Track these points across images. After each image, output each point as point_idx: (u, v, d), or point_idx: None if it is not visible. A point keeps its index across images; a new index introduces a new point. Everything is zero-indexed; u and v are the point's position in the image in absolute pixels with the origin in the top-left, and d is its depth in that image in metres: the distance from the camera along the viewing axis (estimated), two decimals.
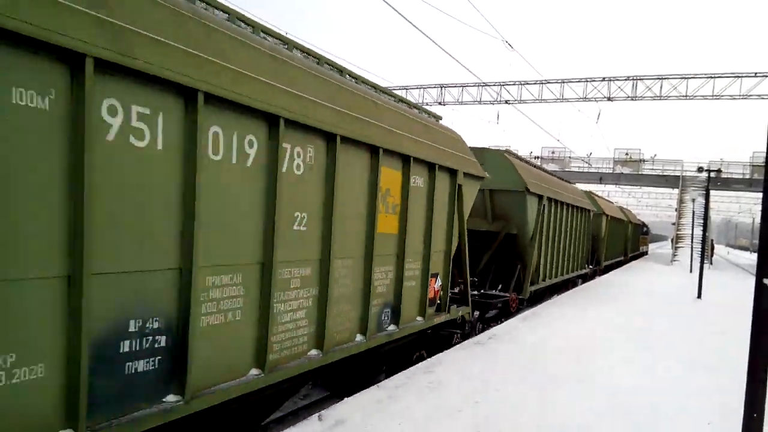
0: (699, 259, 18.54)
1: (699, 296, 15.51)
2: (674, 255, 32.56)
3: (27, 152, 2.43)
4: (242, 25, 4.07)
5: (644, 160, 40.18)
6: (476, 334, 8.33)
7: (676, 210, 37.61)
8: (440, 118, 7.15)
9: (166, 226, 3.09)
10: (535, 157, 41.18)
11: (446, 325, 7.15)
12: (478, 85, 36.40)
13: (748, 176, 39.31)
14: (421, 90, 37.94)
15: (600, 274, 20.95)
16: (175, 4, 3.12)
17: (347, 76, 5.09)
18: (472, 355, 7.08)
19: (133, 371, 3.01)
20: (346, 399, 5.19)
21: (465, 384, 5.80)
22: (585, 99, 35.01)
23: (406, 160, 5.44)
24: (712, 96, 31.44)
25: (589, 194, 19.90)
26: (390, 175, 5.19)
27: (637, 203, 69.10)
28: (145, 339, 3.04)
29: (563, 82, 35.63)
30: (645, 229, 44.33)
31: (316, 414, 4.76)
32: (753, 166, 39.39)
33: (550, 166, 40.71)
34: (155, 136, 2.99)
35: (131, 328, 2.97)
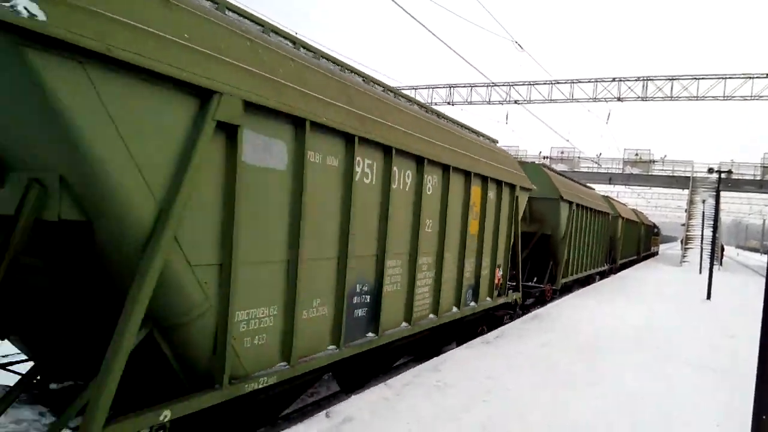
0: (708, 261, 20.24)
1: (708, 298, 17.02)
2: (684, 256, 35.25)
3: (329, 191, 4.86)
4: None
5: (654, 161, 42.98)
6: (519, 316, 10.91)
7: (685, 211, 40.35)
8: (497, 142, 9.65)
9: (377, 228, 5.55)
10: (544, 158, 43.93)
11: (501, 306, 9.72)
12: (488, 86, 38.88)
13: (759, 177, 41.48)
14: (431, 90, 40.48)
15: (615, 272, 24.06)
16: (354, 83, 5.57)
17: (430, 112, 7.48)
18: (480, 353, 7.86)
19: (357, 315, 5.45)
20: (353, 396, 5.77)
21: (472, 383, 6.43)
22: (595, 99, 37.01)
23: (484, 179, 8.07)
24: (724, 97, 33.43)
25: (607, 198, 23.21)
26: (475, 190, 7.76)
27: (646, 204, 72.31)
28: (363, 297, 5.48)
29: (573, 83, 37.76)
30: (656, 230, 47.45)
31: (324, 411, 5.27)
32: (764, 167, 41.20)
33: (559, 167, 43.42)
34: (368, 174, 5.42)
35: (357, 290, 5.40)
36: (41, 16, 2.67)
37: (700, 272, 26.06)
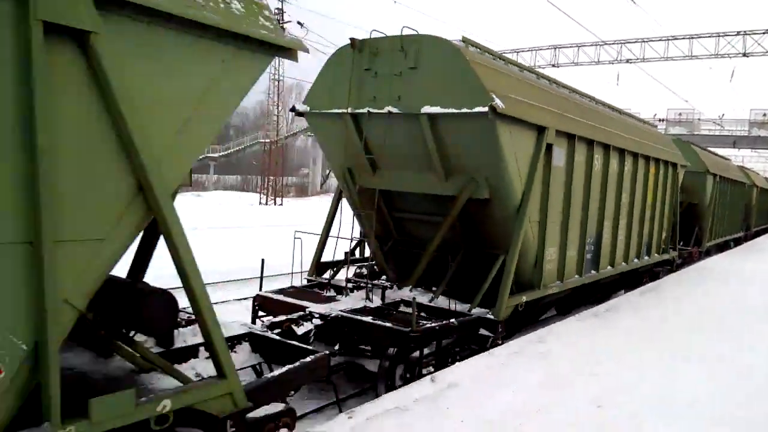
0: None
1: None
2: None
3: (579, 178, 8.72)
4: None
5: None
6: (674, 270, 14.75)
7: None
8: (656, 126, 13.28)
9: (599, 199, 9.47)
10: (659, 120, 45.61)
11: (661, 263, 13.81)
12: (596, 45, 40.85)
13: None
14: (533, 52, 42.95)
15: (750, 238, 28.40)
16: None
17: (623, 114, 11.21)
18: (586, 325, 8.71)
19: (587, 258, 9.37)
20: (458, 363, 6.38)
21: (578, 355, 7.08)
22: (717, 56, 37.61)
23: (656, 161, 12.18)
24: None
25: (742, 168, 27.35)
26: (653, 170, 11.88)
27: None
28: (590, 246, 9.56)
29: (692, 38, 38.19)
30: None
31: (429, 376, 5.91)
32: None
33: (676, 129, 45.06)
34: (595, 165, 9.21)
35: (588, 240, 9.46)
36: (502, 105, 6.57)
37: None
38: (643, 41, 40.11)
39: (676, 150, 13.63)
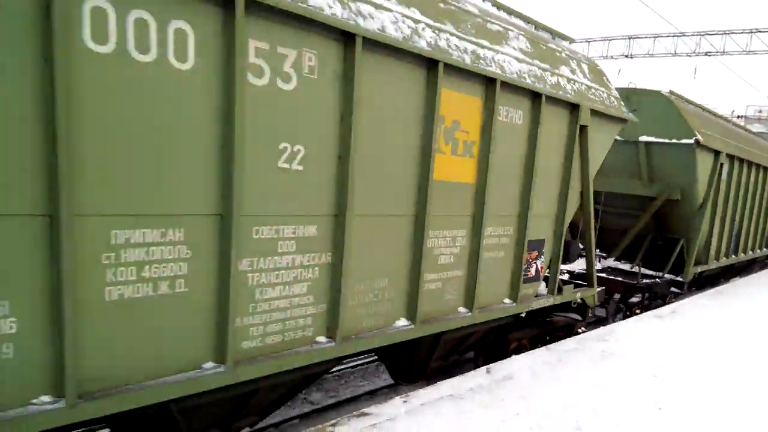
0: None
1: None
2: None
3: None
4: None
5: None
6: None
7: None
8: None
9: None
10: (737, 117, 43.43)
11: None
12: (674, 36, 39.21)
13: None
14: (606, 42, 41.50)
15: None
16: None
17: None
18: (650, 326, 8.41)
19: None
20: (514, 356, 6.36)
21: (640, 355, 6.86)
22: None
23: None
24: None
25: None
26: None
27: None
28: (734, 237, 11.88)
29: None
30: None
31: (485, 366, 5.91)
32: None
33: (756, 127, 42.79)
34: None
35: (732, 234, 12.33)
36: (701, 139, 8.84)
37: None
38: (724, 33, 38.44)
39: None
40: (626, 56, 40.61)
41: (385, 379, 7.76)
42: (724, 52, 38.53)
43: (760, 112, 42.80)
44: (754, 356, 7.49)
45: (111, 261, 3.17)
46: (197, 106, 3.40)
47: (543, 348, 6.99)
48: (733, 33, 38.11)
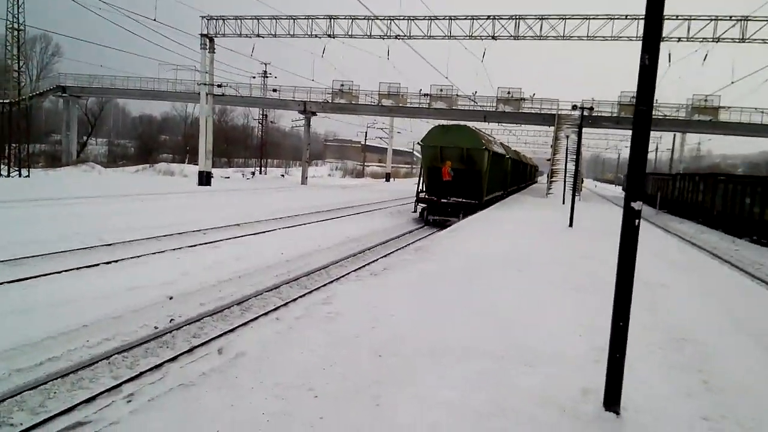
0: (571, 192, 24.36)
1: (570, 225, 21.03)
2: (549, 189, 43.10)
3: None
4: None
5: (524, 99, 50.18)
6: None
7: (551, 146, 48.24)
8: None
9: None
10: (424, 95, 49.34)
11: None
12: (368, 18, 42.36)
13: (615, 114, 48.67)
14: (310, 20, 42.95)
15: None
16: None
17: None
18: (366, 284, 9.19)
19: None
20: (243, 331, 6.60)
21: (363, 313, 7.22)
22: (471, 37, 40.41)
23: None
24: (587, 37, 38.78)
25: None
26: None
27: (516, 140, 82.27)
28: None
29: (451, 19, 40.80)
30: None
31: (216, 348, 5.93)
32: (620, 104, 48.65)
33: (438, 104, 49.27)
34: None
35: None
36: None
37: (563, 203, 31.55)
38: (410, 18, 42.46)
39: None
40: (329, 35, 42.63)
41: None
42: (410, 36, 42.67)
43: (441, 90, 49.24)
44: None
45: None
46: None
47: (273, 317, 7.15)
48: (416, 19, 42.27)
